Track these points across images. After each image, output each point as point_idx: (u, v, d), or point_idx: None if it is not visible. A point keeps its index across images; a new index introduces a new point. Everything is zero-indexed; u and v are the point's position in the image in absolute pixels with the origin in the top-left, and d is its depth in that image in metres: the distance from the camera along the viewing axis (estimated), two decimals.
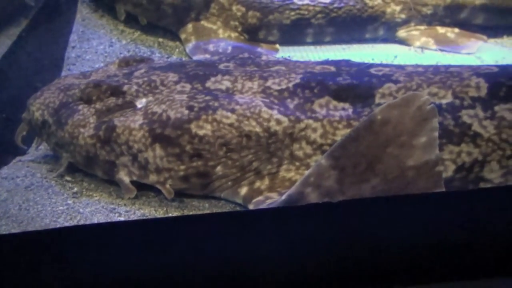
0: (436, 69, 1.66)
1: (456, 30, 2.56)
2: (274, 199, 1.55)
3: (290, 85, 1.67)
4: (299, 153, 1.61)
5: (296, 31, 2.56)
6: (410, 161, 1.37)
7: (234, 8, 2.56)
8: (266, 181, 1.61)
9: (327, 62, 1.80)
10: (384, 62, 2.33)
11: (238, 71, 1.75)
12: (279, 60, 1.87)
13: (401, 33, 2.57)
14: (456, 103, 1.55)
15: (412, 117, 1.33)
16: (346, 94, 1.62)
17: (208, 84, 1.70)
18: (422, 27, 2.57)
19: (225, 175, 1.61)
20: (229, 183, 1.62)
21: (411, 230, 1.44)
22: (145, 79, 1.74)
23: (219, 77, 1.72)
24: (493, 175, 1.52)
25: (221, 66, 1.80)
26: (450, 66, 1.69)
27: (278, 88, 1.67)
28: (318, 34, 2.58)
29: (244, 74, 1.72)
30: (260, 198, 1.58)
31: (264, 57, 1.89)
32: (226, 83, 1.70)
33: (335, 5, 2.52)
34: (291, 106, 1.63)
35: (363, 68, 1.72)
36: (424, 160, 1.37)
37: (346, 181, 1.40)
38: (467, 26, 2.57)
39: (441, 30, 2.56)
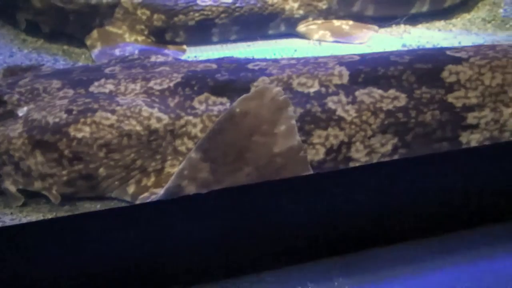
0: (306, 61, 1.78)
1: (350, 22, 2.71)
2: (158, 194, 1.61)
3: (172, 84, 1.73)
4: (182, 149, 1.67)
5: (202, 32, 2.63)
6: (276, 148, 1.47)
7: (139, 12, 2.59)
8: (152, 178, 1.67)
9: (209, 61, 1.88)
10: (285, 56, 2.44)
11: (122, 74, 1.79)
12: (167, 61, 1.93)
13: (301, 28, 2.69)
14: (322, 91, 1.67)
15: (268, 108, 1.43)
16: (223, 89, 1.70)
17: (92, 88, 1.74)
18: (320, 21, 2.70)
19: (110, 175, 1.65)
20: (116, 182, 1.67)
21: (286, 214, 1.54)
22: (28, 87, 1.75)
23: (102, 81, 1.76)
24: (359, 155, 1.65)
25: (107, 70, 1.84)
26: (319, 57, 1.81)
27: (160, 88, 1.73)
28: (223, 33, 2.66)
29: (128, 76, 1.77)
30: (146, 194, 1.64)
31: (152, 58, 1.95)
32: (109, 87, 1.74)
33: (237, 4, 2.61)
34: (172, 104, 1.70)
35: (242, 64, 1.81)
36: (288, 146, 1.47)
37: (220, 171, 1.48)
38: (361, 18, 2.72)
39: (336, 23, 2.71)
